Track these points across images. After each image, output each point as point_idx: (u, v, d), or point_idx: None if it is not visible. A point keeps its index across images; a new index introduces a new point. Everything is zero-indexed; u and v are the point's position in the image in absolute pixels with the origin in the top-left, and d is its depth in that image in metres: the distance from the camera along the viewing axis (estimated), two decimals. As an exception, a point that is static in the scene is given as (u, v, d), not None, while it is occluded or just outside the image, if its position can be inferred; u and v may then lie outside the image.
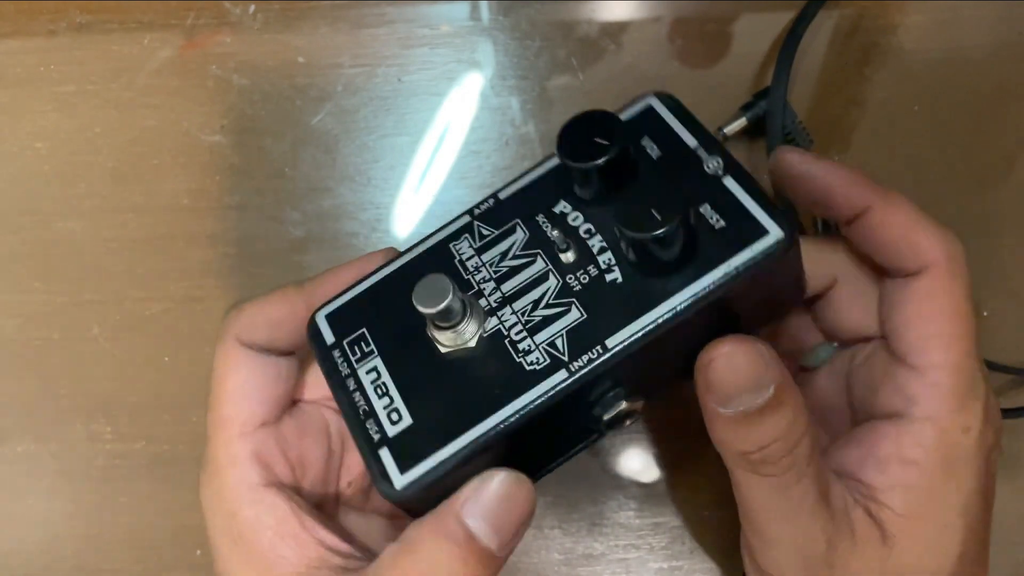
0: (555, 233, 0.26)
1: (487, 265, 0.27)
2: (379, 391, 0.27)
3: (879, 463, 0.27)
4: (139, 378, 0.39)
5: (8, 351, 0.40)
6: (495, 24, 0.40)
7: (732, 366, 0.25)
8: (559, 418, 0.26)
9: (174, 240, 0.40)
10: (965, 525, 0.27)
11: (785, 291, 0.28)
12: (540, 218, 0.27)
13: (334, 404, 0.30)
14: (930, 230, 0.27)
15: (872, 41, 0.39)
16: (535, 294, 0.26)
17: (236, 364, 0.29)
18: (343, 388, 0.27)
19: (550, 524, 0.37)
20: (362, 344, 0.28)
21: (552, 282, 0.26)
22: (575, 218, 0.27)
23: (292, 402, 0.31)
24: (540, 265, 0.27)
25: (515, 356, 0.26)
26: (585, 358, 0.25)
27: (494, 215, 0.28)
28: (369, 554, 0.28)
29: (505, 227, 0.28)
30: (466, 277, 0.27)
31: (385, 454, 0.25)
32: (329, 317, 0.28)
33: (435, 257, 0.28)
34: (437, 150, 0.40)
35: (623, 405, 0.26)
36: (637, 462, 0.37)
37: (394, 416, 0.26)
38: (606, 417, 0.26)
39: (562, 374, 0.25)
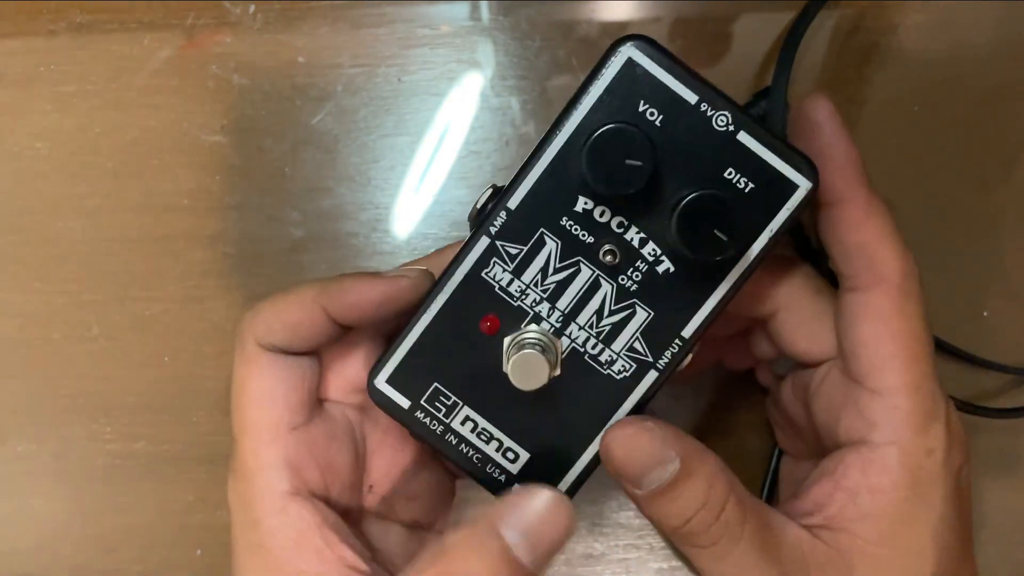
0: (591, 239, 0.26)
1: (532, 286, 0.27)
2: (483, 437, 0.27)
3: (848, 494, 0.27)
4: (139, 378, 0.39)
5: (8, 351, 0.40)
6: (495, 24, 0.40)
7: (632, 447, 0.26)
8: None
9: (174, 240, 0.40)
10: (938, 548, 0.27)
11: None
12: (565, 222, 0.26)
13: (357, 402, 0.30)
14: (894, 246, 0.27)
15: (872, 41, 0.39)
16: (594, 303, 0.26)
17: (259, 368, 0.28)
18: (446, 444, 0.28)
19: (550, 524, 0.37)
20: (441, 399, 0.27)
21: (606, 287, 0.26)
22: (602, 213, 0.26)
23: (319, 402, 0.30)
24: (587, 273, 0.26)
25: (601, 369, 0.27)
26: (668, 354, 0.26)
27: (513, 229, 0.26)
28: (391, 569, 0.28)
29: (532, 240, 0.26)
30: (516, 305, 0.27)
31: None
32: (391, 381, 0.28)
33: (472, 291, 0.27)
34: (437, 150, 0.40)
35: (687, 360, 0.27)
36: (637, 462, 0.37)
37: (510, 455, 0.27)
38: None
39: (653, 375, 0.26)
